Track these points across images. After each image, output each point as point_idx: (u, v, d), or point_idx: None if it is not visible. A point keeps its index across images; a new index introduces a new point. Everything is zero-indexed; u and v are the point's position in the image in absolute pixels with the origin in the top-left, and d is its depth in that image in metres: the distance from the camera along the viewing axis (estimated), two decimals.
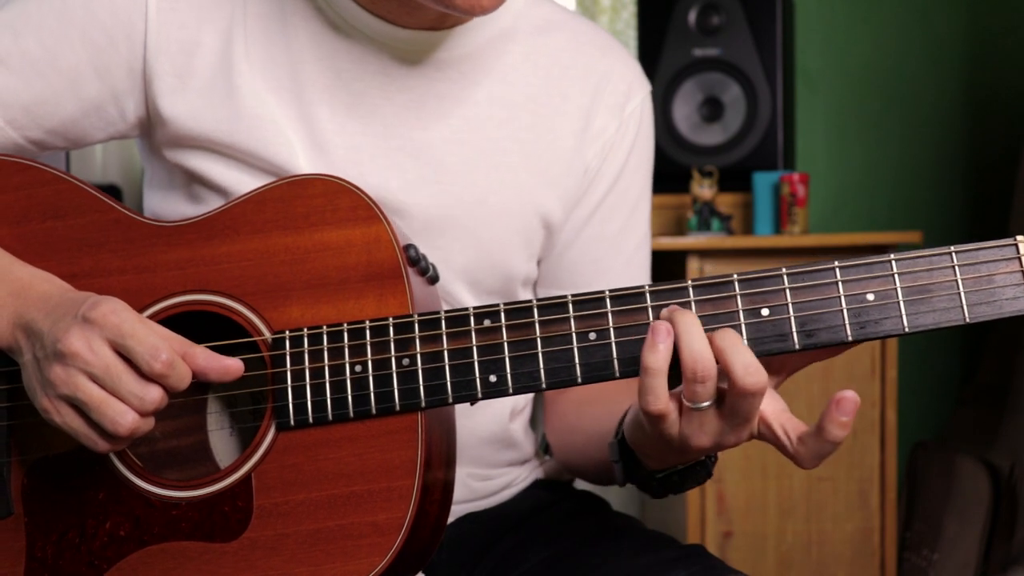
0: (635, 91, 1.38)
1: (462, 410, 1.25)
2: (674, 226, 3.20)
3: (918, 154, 3.69)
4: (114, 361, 1.01)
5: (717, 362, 0.99)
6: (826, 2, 3.66)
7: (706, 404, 1.01)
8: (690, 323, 0.99)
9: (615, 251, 1.39)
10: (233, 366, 1.06)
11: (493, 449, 1.39)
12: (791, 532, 2.84)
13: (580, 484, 1.54)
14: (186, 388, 1.04)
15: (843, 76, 3.67)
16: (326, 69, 1.25)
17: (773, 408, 1.04)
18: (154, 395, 1.02)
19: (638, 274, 1.42)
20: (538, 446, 1.50)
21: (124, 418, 1.01)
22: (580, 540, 1.29)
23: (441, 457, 1.09)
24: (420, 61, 1.27)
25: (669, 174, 3.09)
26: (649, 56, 3.15)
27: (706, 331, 1.00)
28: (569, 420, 1.39)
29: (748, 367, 0.98)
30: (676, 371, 1.01)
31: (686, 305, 1.02)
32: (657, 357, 0.99)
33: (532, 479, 1.47)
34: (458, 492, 1.24)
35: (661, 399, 1.00)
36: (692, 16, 3.14)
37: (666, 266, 2.91)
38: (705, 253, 2.83)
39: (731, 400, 1.00)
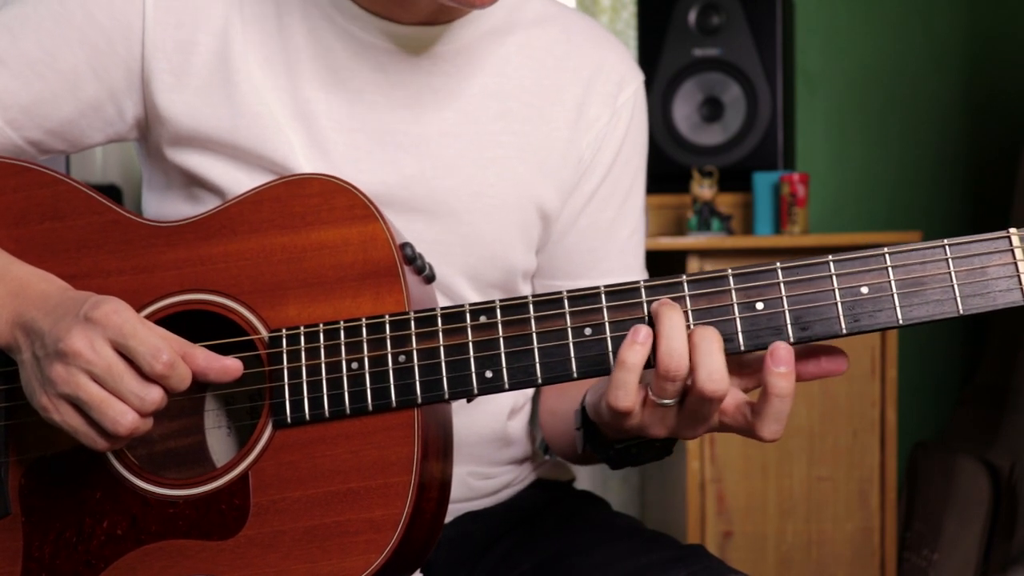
0: (627, 82, 1.38)
1: (460, 408, 1.25)
2: (674, 226, 3.20)
3: (918, 154, 3.69)
4: (116, 361, 1.02)
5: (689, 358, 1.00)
6: (826, 2, 3.66)
7: (671, 402, 1.02)
8: (675, 320, 1.00)
9: (609, 240, 1.40)
10: (232, 366, 1.06)
11: (492, 447, 1.39)
12: (791, 532, 2.84)
13: (581, 484, 1.54)
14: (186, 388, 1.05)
15: (843, 76, 3.67)
16: (322, 67, 1.26)
17: (735, 399, 1.04)
18: (155, 395, 1.02)
19: (632, 262, 1.43)
20: (537, 446, 1.50)
21: (124, 418, 1.01)
22: (580, 540, 1.29)
23: (438, 454, 1.09)
24: (415, 56, 1.27)
25: (669, 174, 3.09)
26: (649, 56, 3.15)
27: (693, 324, 1.01)
28: (553, 403, 1.40)
29: (712, 373, 0.99)
30: (646, 364, 1.01)
31: (680, 300, 1.03)
32: (635, 354, 1.00)
33: (532, 479, 1.47)
34: (457, 491, 1.25)
35: (631, 396, 1.01)
36: (692, 16, 3.14)
37: (666, 266, 2.91)
38: (705, 253, 2.83)
39: (691, 400, 1.02)
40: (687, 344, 1.00)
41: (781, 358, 0.99)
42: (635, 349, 1.00)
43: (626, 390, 1.01)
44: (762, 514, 2.83)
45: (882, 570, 2.84)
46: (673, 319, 1.00)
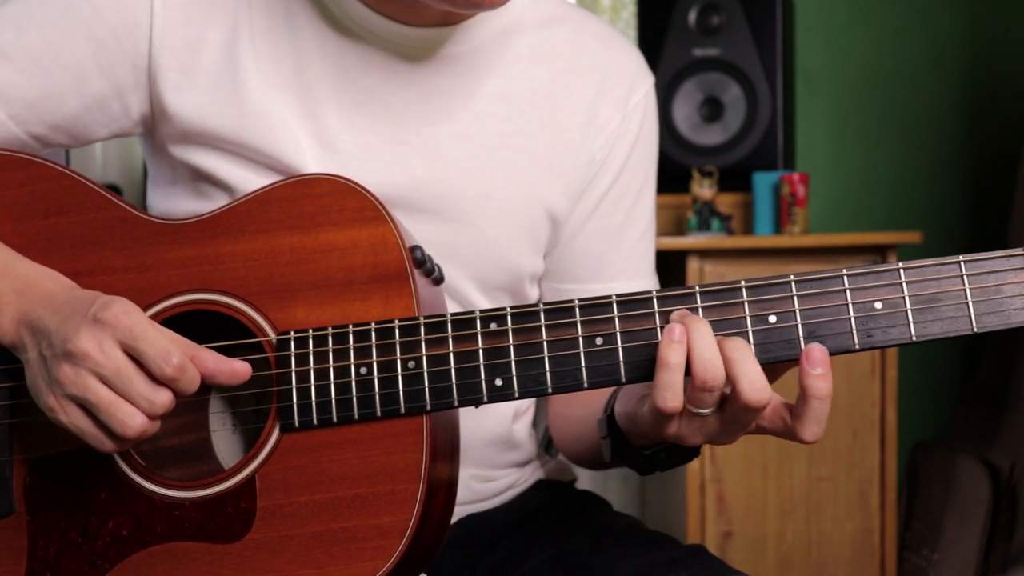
0: (639, 84, 1.38)
1: (465, 412, 1.24)
2: (674, 226, 3.20)
3: (918, 154, 3.69)
4: (125, 363, 1.01)
5: (724, 369, 0.99)
6: (826, 2, 3.66)
7: (708, 411, 1.01)
8: (702, 330, 0.99)
9: (618, 243, 1.39)
10: (241, 369, 1.05)
11: (496, 451, 1.39)
12: (791, 532, 2.84)
13: (581, 484, 1.54)
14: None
15: (843, 76, 3.67)
16: (332, 66, 1.25)
17: (772, 402, 1.03)
18: (164, 398, 1.02)
19: (641, 265, 1.42)
20: (540, 445, 1.50)
21: (133, 420, 1.01)
22: (581, 541, 1.29)
23: (445, 460, 1.08)
24: (426, 57, 1.27)
25: (669, 174, 3.07)
26: (649, 56, 3.12)
27: (716, 336, 1.00)
28: (566, 407, 1.40)
29: (754, 383, 0.98)
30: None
31: (693, 311, 1.02)
32: (675, 353, 0.99)
33: (534, 480, 1.47)
34: (461, 493, 1.24)
35: (678, 396, 1.00)
36: (692, 16, 3.14)
37: (666, 266, 2.90)
38: (705, 253, 2.83)
39: (733, 410, 1.01)
40: (719, 353, 0.99)
41: (817, 359, 0.98)
42: (674, 348, 0.99)
43: (673, 391, 1.00)
44: (762, 514, 2.83)
45: (882, 570, 2.84)
46: (700, 329, 0.99)
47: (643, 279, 1.42)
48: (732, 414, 1.01)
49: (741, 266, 2.81)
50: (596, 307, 1.04)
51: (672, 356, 0.99)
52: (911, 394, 3.46)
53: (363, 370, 1.06)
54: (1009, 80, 3.54)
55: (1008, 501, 2.96)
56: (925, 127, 3.69)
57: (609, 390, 1.19)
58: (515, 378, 1.04)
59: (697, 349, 0.98)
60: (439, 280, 1.14)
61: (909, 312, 0.99)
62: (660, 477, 3.14)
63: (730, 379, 0.99)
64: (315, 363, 1.07)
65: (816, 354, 0.98)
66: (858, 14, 3.68)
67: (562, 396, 1.40)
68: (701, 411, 1.01)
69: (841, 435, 2.83)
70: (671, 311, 1.02)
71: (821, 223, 3.60)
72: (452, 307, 1.28)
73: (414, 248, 1.10)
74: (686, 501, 2.81)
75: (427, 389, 1.05)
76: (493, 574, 1.32)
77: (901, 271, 1.00)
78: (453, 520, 1.28)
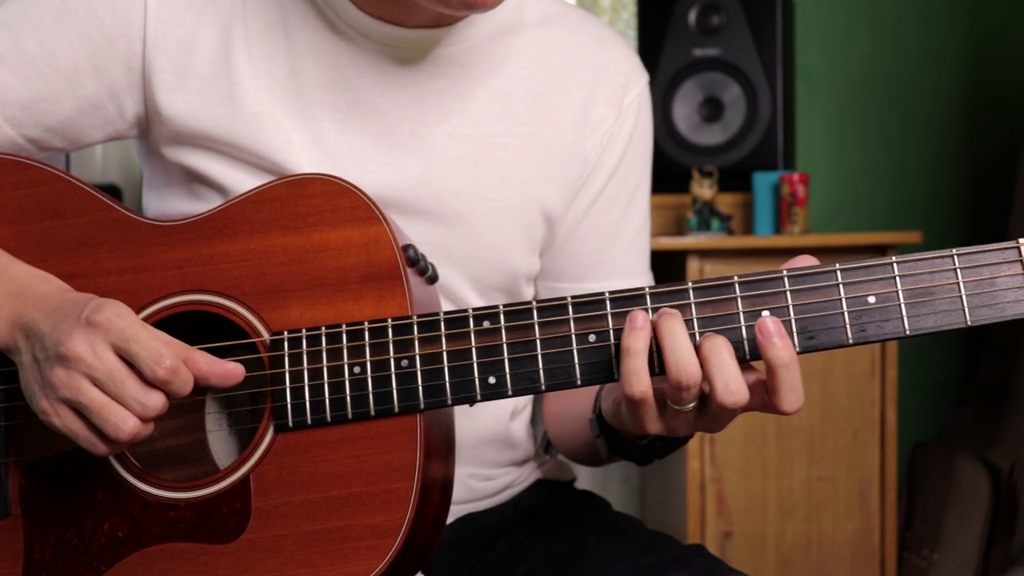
0: (633, 82, 1.38)
1: (462, 410, 1.25)
2: (674, 226, 3.20)
3: (918, 154, 3.68)
4: (118, 366, 1.01)
5: (701, 368, 0.99)
6: (826, 2, 3.65)
7: (690, 407, 1.01)
8: (675, 329, 0.99)
9: (614, 241, 1.40)
10: (234, 371, 1.05)
11: (494, 449, 1.39)
12: (791, 532, 2.83)
13: (581, 484, 1.54)
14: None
15: (843, 76, 3.66)
16: (326, 67, 1.25)
17: (749, 381, 1.03)
18: (156, 401, 1.02)
19: (636, 263, 1.43)
20: (539, 445, 1.50)
21: (126, 424, 1.01)
22: (580, 540, 1.29)
23: (440, 459, 1.08)
24: (420, 58, 1.27)
25: (669, 174, 3.09)
26: (649, 56, 3.15)
27: (699, 332, 1.00)
28: (560, 405, 1.40)
29: (729, 384, 0.99)
30: (659, 364, 1.01)
31: (686, 307, 1.02)
32: (637, 339, 0.99)
33: (532, 479, 1.47)
34: (458, 492, 1.24)
35: (644, 380, 1.00)
36: (692, 16, 3.13)
37: (666, 266, 2.91)
38: (705, 253, 2.82)
39: (712, 408, 1.01)
40: (693, 351, 0.99)
41: (771, 331, 0.98)
42: (635, 334, 0.99)
43: (638, 376, 1.00)
44: (762, 514, 2.83)
45: (882, 570, 2.84)
46: (673, 329, 0.99)
47: (639, 277, 1.42)
48: (711, 411, 1.01)
49: (741, 266, 2.81)
50: (589, 304, 1.04)
51: (633, 342, 0.99)
52: (911, 394, 3.46)
53: (357, 369, 1.06)
54: (1009, 80, 3.54)
55: (1008, 501, 2.96)
56: (925, 127, 3.69)
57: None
58: (508, 376, 1.04)
59: (669, 349, 0.99)
60: (433, 279, 1.14)
61: (903, 306, 0.99)
62: (660, 477, 3.15)
63: (707, 379, 0.99)
64: (309, 363, 1.08)
65: (768, 326, 0.98)
66: (858, 14, 3.68)
67: (556, 394, 1.40)
68: (683, 408, 1.01)
69: (841, 435, 2.82)
70: (663, 307, 1.02)
71: (821, 223, 3.59)
72: (448, 308, 1.28)
73: (407, 247, 1.10)
74: (686, 501, 2.81)
75: (420, 388, 1.05)
76: (492, 574, 1.32)
77: (894, 265, 1.00)
78: (451, 520, 1.28)
